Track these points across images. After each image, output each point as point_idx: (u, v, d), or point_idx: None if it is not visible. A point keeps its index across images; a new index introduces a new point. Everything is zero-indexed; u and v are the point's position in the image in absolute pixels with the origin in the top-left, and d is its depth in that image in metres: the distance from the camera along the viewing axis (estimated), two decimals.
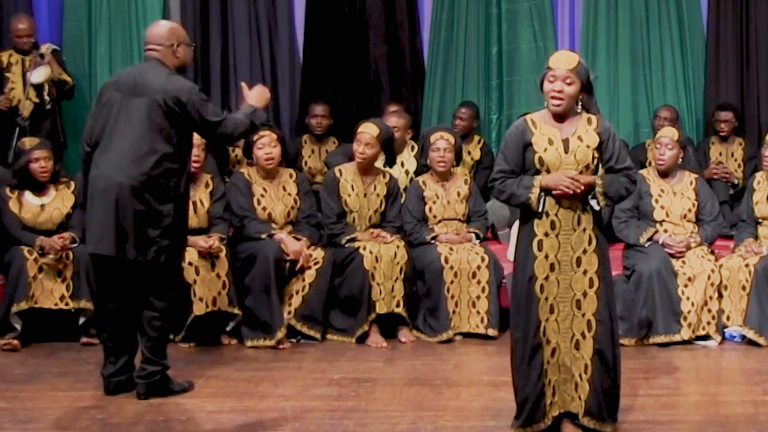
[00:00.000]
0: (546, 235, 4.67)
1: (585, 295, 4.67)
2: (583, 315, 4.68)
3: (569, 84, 4.64)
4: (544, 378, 4.67)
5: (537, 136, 4.69)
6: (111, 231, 5.28)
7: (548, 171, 4.66)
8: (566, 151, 4.66)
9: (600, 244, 4.70)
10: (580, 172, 4.66)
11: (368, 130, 6.94)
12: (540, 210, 4.64)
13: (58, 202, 6.83)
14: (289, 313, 6.73)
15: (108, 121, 5.36)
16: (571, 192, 4.59)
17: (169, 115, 5.28)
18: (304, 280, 6.76)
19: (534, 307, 4.66)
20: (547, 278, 4.67)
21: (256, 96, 5.57)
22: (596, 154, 4.69)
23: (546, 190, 4.63)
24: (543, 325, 4.67)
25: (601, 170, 4.74)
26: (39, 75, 8.04)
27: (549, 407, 4.69)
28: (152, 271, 5.38)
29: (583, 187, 4.61)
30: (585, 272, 4.67)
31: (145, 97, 5.29)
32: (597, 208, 4.67)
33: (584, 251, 4.67)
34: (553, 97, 4.65)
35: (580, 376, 4.68)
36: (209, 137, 5.75)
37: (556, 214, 4.67)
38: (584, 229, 4.67)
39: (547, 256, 4.67)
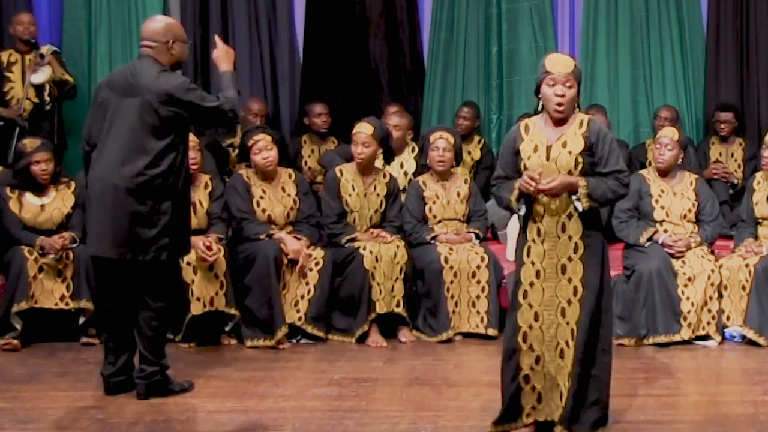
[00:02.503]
0: (533, 241, 4.67)
1: (569, 303, 4.65)
2: (567, 323, 4.65)
3: (569, 87, 4.61)
4: (522, 382, 4.67)
5: (526, 143, 4.67)
6: (109, 233, 5.28)
7: None
8: (547, 159, 4.63)
9: (588, 251, 4.63)
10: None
11: (363, 129, 6.96)
12: (521, 213, 4.65)
13: (58, 202, 6.83)
14: (300, 318, 6.74)
15: (103, 123, 5.35)
16: (527, 190, 4.56)
17: (162, 114, 5.25)
18: (308, 283, 6.77)
19: (515, 312, 4.68)
20: (531, 285, 4.66)
21: (223, 56, 5.52)
22: (581, 159, 4.61)
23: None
24: (523, 330, 4.66)
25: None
26: (40, 75, 8.06)
27: (531, 411, 4.69)
28: (152, 270, 5.37)
29: (536, 186, 4.54)
30: (569, 280, 4.64)
31: (137, 97, 5.26)
32: (580, 209, 4.60)
33: (569, 259, 4.63)
34: (557, 103, 4.60)
35: (564, 384, 4.67)
36: (211, 123, 5.72)
37: (541, 221, 4.65)
38: (570, 237, 4.63)
39: (533, 263, 4.66)
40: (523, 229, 4.74)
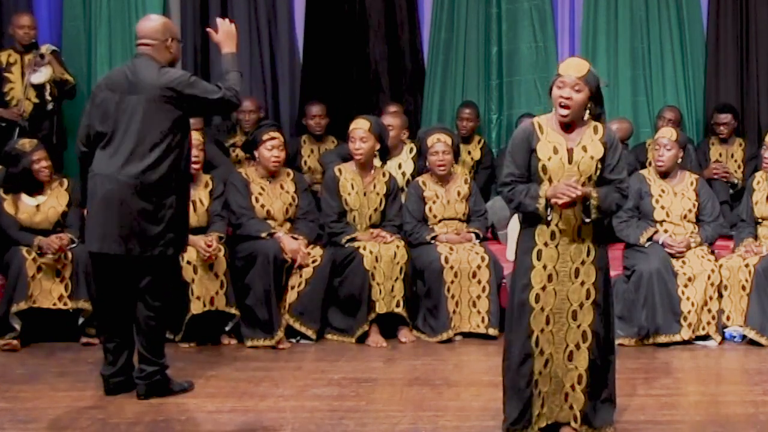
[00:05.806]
0: (545, 245, 4.64)
1: (581, 306, 4.65)
2: (579, 326, 4.66)
3: (578, 91, 4.59)
4: (533, 387, 4.65)
5: (542, 143, 4.63)
6: (116, 230, 5.27)
7: (550, 180, 4.61)
8: (570, 162, 4.62)
9: (598, 255, 4.67)
10: (582, 184, 4.61)
11: (360, 125, 6.98)
12: (549, 219, 4.61)
13: (53, 201, 6.82)
14: (284, 308, 6.71)
15: (104, 123, 5.35)
16: (569, 199, 4.54)
17: (166, 109, 5.26)
18: (301, 276, 6.76)
19: (527, 315, 4.64)
20: (543, 288, 4.64)
21: (226, 38, 5.50)
22: (599, 165, 4.65)
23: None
24: (536, 335, 4.64)
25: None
26: (40, 75, 8.05)
27: (537, 418, 4.68)
28: (157, 267, 5.37)
29: (579, 193, 4.54)
30: (582, 283, 4.65)
31: (140, 95, 5.27)
32: (587, 220, 4.62)
33: (582, 262, 4.65)
34: (561, 105, 4.60)
35: (573, 387, 4.67)
36: (216, 113, 5.77)
37: (556, 225, 4.63)
38: (583, 240, 4.65)
39: (545, 266, 4.64)
40: (531, 232, 4.67)
